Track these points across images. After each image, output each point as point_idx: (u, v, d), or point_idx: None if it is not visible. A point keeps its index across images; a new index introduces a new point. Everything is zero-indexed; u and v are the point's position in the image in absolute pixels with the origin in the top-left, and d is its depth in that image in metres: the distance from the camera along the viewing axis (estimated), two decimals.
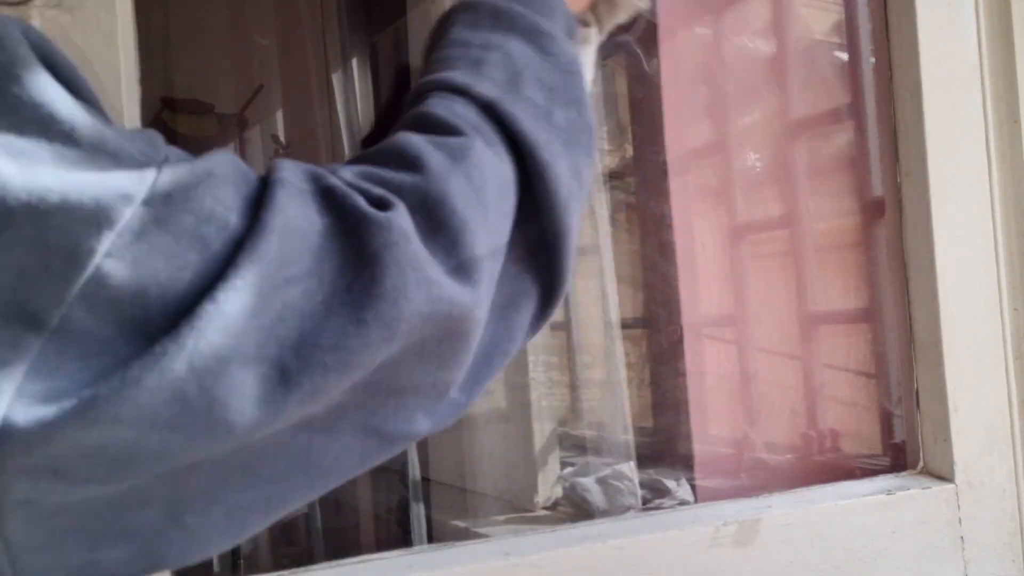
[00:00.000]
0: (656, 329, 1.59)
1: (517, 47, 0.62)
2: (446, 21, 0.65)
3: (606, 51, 1.23)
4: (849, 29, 1.26)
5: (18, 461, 0.36)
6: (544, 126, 0.58)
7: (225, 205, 0.42)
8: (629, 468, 1.48)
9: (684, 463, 1.47)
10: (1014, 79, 1.07)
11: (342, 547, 1.93)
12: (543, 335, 1.57)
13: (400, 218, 0.47)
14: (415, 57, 1.31)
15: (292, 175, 0.47)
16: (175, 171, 0.41)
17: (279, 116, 2.07)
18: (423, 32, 1.29)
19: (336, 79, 1.82)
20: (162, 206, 0.40)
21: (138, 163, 0.40)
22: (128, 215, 0.38)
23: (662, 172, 1.38)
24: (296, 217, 0.44)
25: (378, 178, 0.50)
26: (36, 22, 0.71)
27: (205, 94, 2.07)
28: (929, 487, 1.04)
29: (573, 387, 1.61)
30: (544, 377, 1.58)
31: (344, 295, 0.44)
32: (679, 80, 1.14)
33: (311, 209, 0.46)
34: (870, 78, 1.20)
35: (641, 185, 1.56)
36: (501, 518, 1.53)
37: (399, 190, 0.50)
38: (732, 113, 1.27)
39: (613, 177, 1.63)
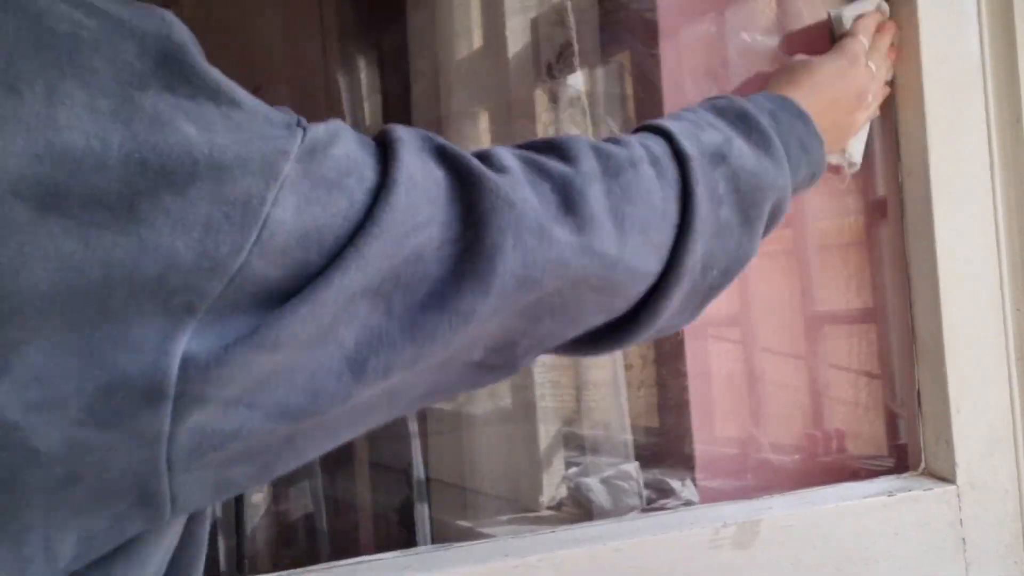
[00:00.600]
0: None
1: (739, 144, 0.69)
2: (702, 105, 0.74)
3: (609, 51, 1.23)
4: None
5: (196, 388, 0.41)
6: (711, 206, 0.64)
7: (358, 161, 0.48)
8: (634, 468, 1.48)
9: (689, 463, 1.46)
10: (1016, 78, 1.06)
11: (345, 547, 1.94)
12: None
13: (510, 183, 0.53)
14: (416, 62, 1.31)
15: (408, 134, 0.52)
16: (315, 131, 0.46)
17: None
18: (423, 34, 1.30)
19: (341, 79, 1.82)
20: (311, 162, 0.45)
21: (288, 125, 0.45)
22: (287, 169, 0.43)
23: None
24: (418, 171, 0.50)
25: (530, 160, 0.57)
26: None
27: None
28: (931, 488, 1.03)
29: (578, 387, 1.61)
30: (549, 377, 1.58)
31: (451, 246, 0.50)
32: (680, 77, 1.14)
33: (430, 164, 0.51)
34: None
35: None
36: (505, 518, 1.53)
37: (548, 174, 0.56)
38: None
39: None
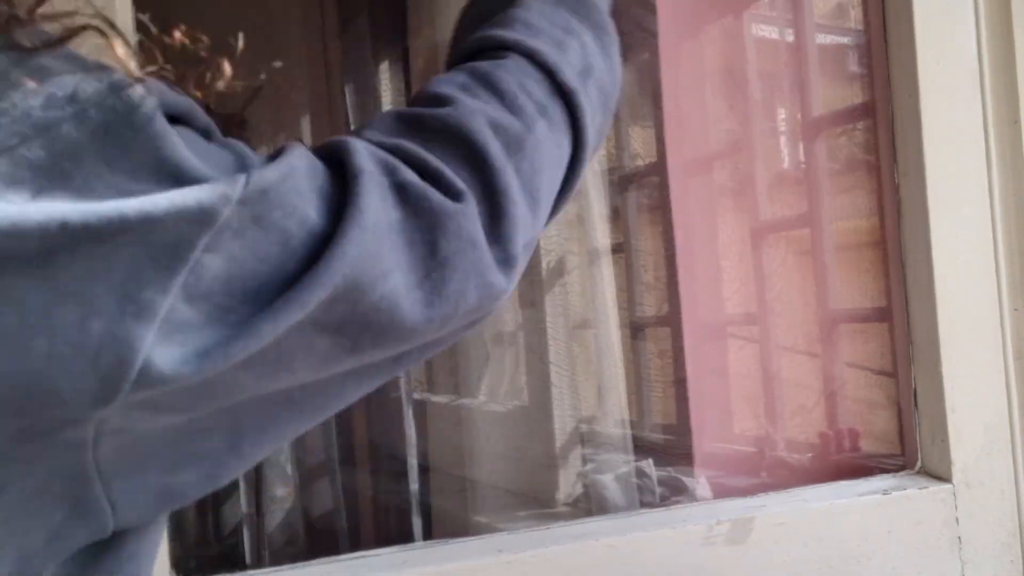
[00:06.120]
0: (676, 328, 1.60)
1: (590, 42, 0.67)
2: None
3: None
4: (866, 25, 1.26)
5: (135, 396, 0.40)
6: (591, 122, 0.64)
7: (304, 199, 0.46)
8: (647, 465, 1.49)
9: (702, 461, 1.47)
10: (1014, 79, 1.05)
11: (360, 541, 1.97)
12: (566, 334, 1.59)
13: (469, 218, 0.52)
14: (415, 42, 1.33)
15: (370, 164, 0.50)
16: (264, 171, 0.44)
17: (304, 123, 2.11)
18: (424, 52, 1.32)
19: (348, 90, 1.85)
20: (257, 203, 0.43)
21: (239, 166, 0.45)
22: (227, 213, 0.42)
23: (687, 173, 1.39)
24: (381, 218, 0.48)
25: (438, 169, 0.54)
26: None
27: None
28: (926, 487, 1.03)
29: (595, 385, 1.62)
30: (566, 375, 1.60)
31: (418, 289, 0.50)
32: (678, 77, 1.15)
33: (389, 203, 0.49)
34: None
35: (666, 186, 1.57)
36: (523, 514, 1.55)
37: (464, 181, 0.54)
38: (741, 110, 1.27)
39: (636, 178, 1.64)
